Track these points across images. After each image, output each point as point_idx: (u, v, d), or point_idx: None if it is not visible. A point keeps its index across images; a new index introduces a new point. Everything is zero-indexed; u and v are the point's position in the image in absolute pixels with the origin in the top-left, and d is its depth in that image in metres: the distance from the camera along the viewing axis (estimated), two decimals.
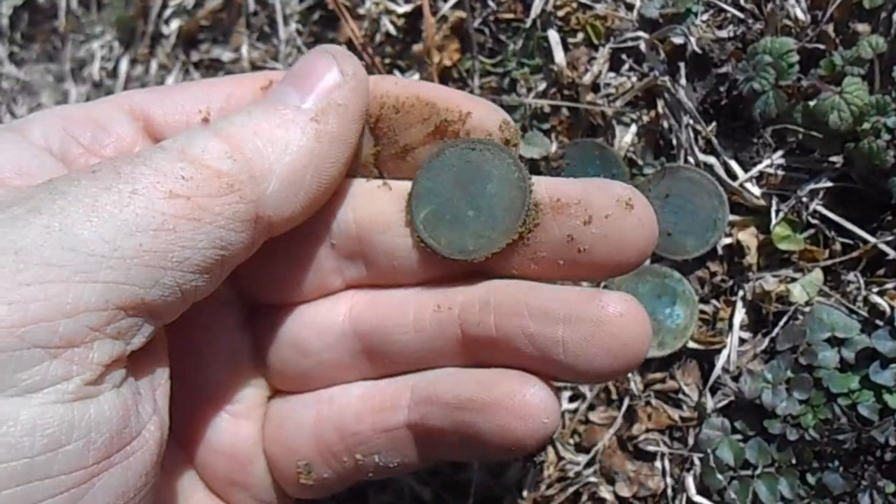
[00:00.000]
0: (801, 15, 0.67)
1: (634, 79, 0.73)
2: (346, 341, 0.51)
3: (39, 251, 0.34)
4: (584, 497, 0.71)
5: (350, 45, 0.87)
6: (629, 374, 0.71)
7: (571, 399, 0.74)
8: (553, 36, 0.76)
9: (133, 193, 0.37)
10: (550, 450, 0.74)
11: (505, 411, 0.44)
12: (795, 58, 0.63)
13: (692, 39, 0.69)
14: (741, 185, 0.68)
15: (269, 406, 0.55)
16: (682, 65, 0.70)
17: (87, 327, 0.34)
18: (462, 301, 0.47)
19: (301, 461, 0.52)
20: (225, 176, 0.40)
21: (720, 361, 0.68)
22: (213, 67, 1.01)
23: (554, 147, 0.76)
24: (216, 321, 0.54)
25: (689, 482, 0.67)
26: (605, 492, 0.70)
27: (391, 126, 0.50)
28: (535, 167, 0.76)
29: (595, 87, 0.74)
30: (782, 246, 0.67)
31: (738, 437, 0.66)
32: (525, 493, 0.72)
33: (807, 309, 0.66)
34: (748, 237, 0.68)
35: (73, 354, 0.34)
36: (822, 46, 0.66)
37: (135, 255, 0.36)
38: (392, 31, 0.84)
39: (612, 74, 0.74)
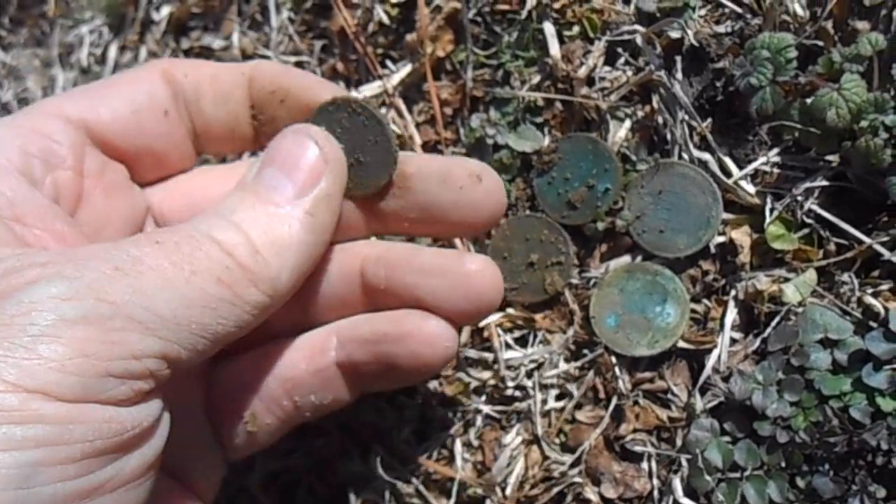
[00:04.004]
0: (800, 11, 0.66)
1: (630, 73, 0.72)
2: None
3: (126, 307, 0.43)
4: (569, 497, 0.70)
5: (342, 34, 0.86)
6: (617, 374, 0.70)
7: (558, 398, 0.72)
8: (549, 28, 0.74)
9: (193, 274, 0.46)
10: (535, 448, 0.72)
11: (414, 340, 0.56)
12: (794, 53, 0.62)
13: (689, 34, 0.68)
14: (735, 183, 0.67)
15: (213, 373, 0.62)
16: (678, 59, 0.69)
17: (148, 369, 0.44)
18: (363, 255, 0.59)
19: (247, 412, 0.60)
20: (250, 273, 0.49)
21: (710, 361, 0.67)
22: (203, 55, 1.00)
23: (546, 141, 0.75)
24: None
25: (677, 484, 0.65)
26: (590, 492, 0.69)
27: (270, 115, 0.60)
28: (526, 161, 0.75)
29: (590, 81, 0.73)
30: (776, 245, 0.65)
31: (727, 438, 0.64)
32: (508, 492, 0.71)
33: (800, 309, 0.65)
34: (741, 236, 0.67)
35: (133, 384, 0.43)
36: (820, 43, 0.65)
37: (186, 323, 0.45)
38: (385, 20, 0.83)
39: (607, 68, 0.73)
